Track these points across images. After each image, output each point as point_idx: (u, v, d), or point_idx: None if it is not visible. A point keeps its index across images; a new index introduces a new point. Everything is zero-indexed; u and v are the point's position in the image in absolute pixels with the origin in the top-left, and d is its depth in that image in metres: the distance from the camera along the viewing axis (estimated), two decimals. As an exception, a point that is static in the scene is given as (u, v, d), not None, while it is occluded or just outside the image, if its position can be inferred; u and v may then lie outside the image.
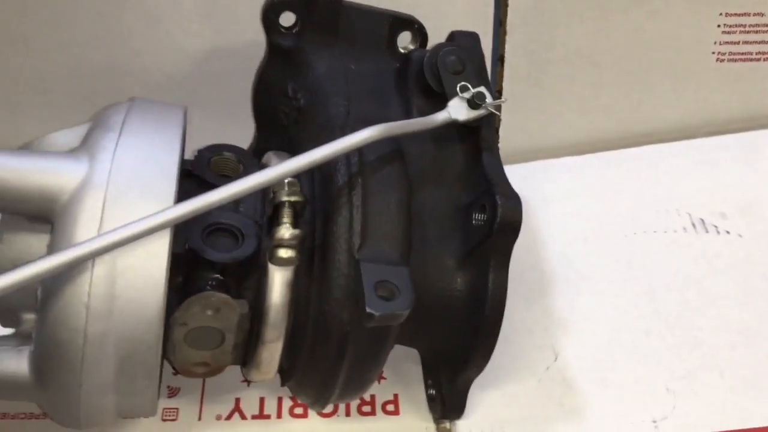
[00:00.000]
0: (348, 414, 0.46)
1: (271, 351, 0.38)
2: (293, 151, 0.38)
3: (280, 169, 0.35)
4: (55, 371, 0.33)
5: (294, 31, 0.43)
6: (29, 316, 0.34)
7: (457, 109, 0.39)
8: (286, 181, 0.37)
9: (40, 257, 0.30)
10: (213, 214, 0.35)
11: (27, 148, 0.37)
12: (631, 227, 0.53)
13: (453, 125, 0.39)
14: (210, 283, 0.35)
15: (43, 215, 0.33)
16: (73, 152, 0.35)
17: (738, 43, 0.56)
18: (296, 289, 0.37)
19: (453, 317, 0.39)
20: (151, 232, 0.31)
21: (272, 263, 0.36)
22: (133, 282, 0.32)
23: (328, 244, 0.37)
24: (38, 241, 0.34)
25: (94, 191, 0.32)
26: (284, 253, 0.36)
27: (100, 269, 0.31)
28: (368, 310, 0.33)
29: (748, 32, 0.56)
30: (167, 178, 0.34)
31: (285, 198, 0.37)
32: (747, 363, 0.46)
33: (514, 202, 0.37)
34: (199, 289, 0.35)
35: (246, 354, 0.38)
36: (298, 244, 0.36)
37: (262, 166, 0.39)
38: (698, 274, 0.50)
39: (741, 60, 0.57)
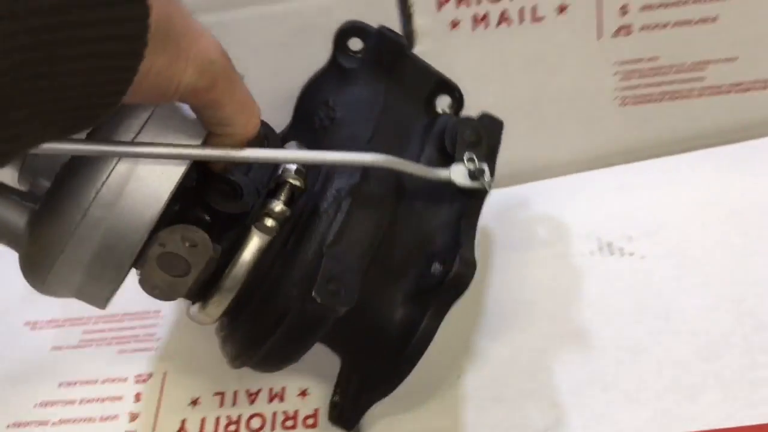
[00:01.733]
0: (273, 428, 0.52)
1: (223, 297, 0.42)
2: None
3: (294, 154, 0.43)
4: (46, 232, 0.37)
5: (358, 56, 0.49)
6: (44, 183, 0.39)
7: (458, 174, 0.44)
8: (295, 166, 0.42)
9: (81, 139, 0.35)
10: (228, 168, 0.41)
11: None
12: (544, 252, 0.58)
13: (449, 185, 0.44)
14: (199, 220, 0.40)
15: None
16: None
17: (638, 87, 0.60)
18: (264, 255, 0.41)
19: (380, 341, 0.44)
20: (173, 158, 0.36)
21: (255, 227, 0.41)
22: (142, 189, 0.36)
23: (306, 233, 0.42)
24: None
25: (149, 106, 0.37)
26: (268, 222, 0.41)
27: (121, 167, 0.36)
28: (314, 294, 0.39)
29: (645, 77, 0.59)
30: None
31: (289, 179, 0.42)
32: (631, 377, 0.49)
33: (470, 267, 0.42)
34: (188, 221, 0.39)
35: (199, 295, 0.42)
36: (283, 219, 0.41)
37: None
38: (598, 294, 0.54)
39: (643, 102, 0.60)
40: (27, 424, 0.55)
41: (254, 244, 0.41)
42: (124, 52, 0.29)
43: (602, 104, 0.60)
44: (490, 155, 0.47)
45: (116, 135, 0.37)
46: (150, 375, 0.56)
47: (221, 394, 0.54)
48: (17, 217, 0.38)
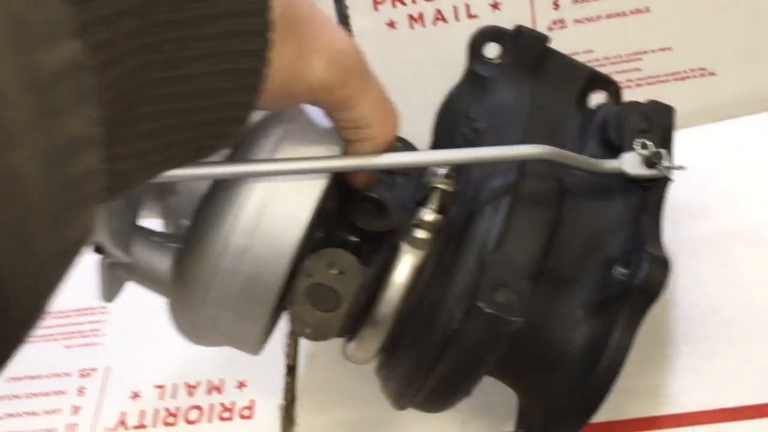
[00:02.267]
0: (210, 420, 0.53)
1: (378, 328, 0.38)
2: (459, 169, 0.39)
3: (442, 154, 0.37)
4: (191, 270, 0.35)
5: (496, 63, 0.45)
6: (187, 223, 0.36)
7: (631, 163, 0.39)
8: (444, 170, 0.38)
9: (210, 162, 0.32)
10: (370, 185, 0.38)
11: None
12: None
13: (620, 178, 0.39)
14: (344, 243, 0.37)
15: None
16: None
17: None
18: (420, 274, 0.37)
19: (562, 365, 0.37)
20: (311, 172, 0.34)
21: (406, 242, 0.37)
22: (282, 210, 0.34)
23: (464, 242, 0.37)
24: None
25: (280, 122, 0.35)
26: (420, 234, 0.37)
27: (257, 190, 0.33)
28: (479, 304, 0.34)
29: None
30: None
31: (438, 184, 0.38)
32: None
33: (662, 266, 0.35)
34: (333, 246, 0.36)
35: (353, 328, 0.39)
36: (436, 230, 0.37)
37: None
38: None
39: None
40: (-31, 418, 0.56)
41: (407, 262, 0.37)
42: (250, 49, 0.27)
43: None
44: (664, 141, 0.40)
45: (250, 154, 0.34)
46: (93, 369, 0.57)
47: (161, 387, 0.54)
48: (161, 260, 0.36)
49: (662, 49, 0.59)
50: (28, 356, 0.57)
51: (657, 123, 0.40)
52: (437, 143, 0.48)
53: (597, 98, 0.46)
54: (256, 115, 0.35)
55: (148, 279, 0.37)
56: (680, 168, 0.39)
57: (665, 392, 0.46)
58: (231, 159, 0.34)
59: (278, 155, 0.34)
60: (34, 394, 0.57)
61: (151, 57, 0.24)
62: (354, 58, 0.32)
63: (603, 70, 0.59)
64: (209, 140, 0.28)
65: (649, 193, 0.39)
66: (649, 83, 0.61)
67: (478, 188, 0.39)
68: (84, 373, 0.57)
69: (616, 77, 0.60)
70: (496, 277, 0.35)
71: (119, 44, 0.22)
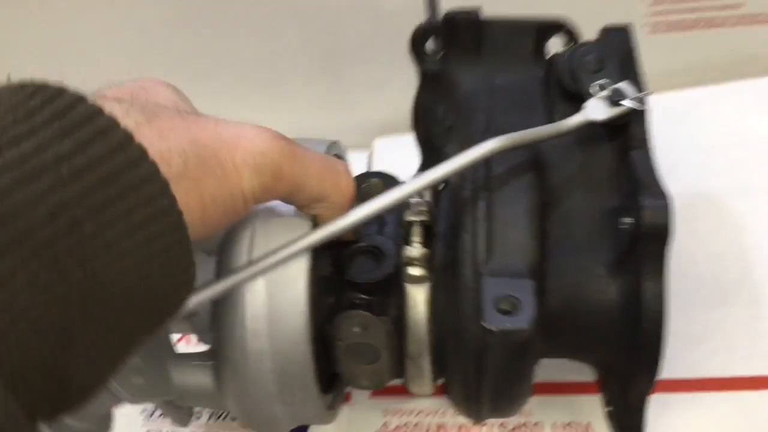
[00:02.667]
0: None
1: (419, 365, 0.39)
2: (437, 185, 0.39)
3: (400, 191, 0.35)
4: (230, 384, 0.36)
5: (439, 57, 0.44)
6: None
7: (595, 109, 0.37)
8: (411, 201, 0.37)
9: (208, 281, 0.33)
10: (359, 234, 0.38)
11: None
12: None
13: (597, 126, 0.37)
14: (355, 302, 0.37)
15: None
16: None
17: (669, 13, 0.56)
18: (435, 304, 0.37)
19: (611, 328, 0.37)
20: (291, 258, 0.34)
21: (406, 282, 0.37)
22: (281, 302, 0.35)
23: (457, 260, 0.36)
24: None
25: (246, 223, 0.35)
26: (414, 271, 0.37)
27: (252, 292, 0.35)
28: (485, 325, 0.33)
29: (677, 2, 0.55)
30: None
31: (412, 218, 0.38)
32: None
33: (661, 203, 0.33)
34: (345, 308, 0.37)
35: (402, 370, 0.40)
36: (427, 262, 0.37)
37: None
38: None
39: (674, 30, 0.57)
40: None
41: (415, 299, 0.38)
42: (165, 228, 0.26)
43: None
44: (625, 69, 0.38)
45: (231, 265, 0.35)
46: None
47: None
48: (204, 380, 0.38)
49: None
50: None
51: (611, 54, 0.38)
52: (424, 154, 0.47)
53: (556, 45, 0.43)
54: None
55: (199, 400, 0.39)
56: (647, 94, 0.37)
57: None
58: (216, 273, 0.35)
59: (255, 254, 0.35)
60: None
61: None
62: (276, 150, 0.32)
63: (701, 4, 0.57)
64: (158, 317, 0.28)
65: (630, 129, 0.37)
66: (748, 22, 0.57)
67: (452, 199, 0.38)
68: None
69: (714, 14, 0.57)
70: (493, 288, 0.34)
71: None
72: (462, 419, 0.46)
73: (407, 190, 0.35)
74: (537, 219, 0.36)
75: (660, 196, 0.33)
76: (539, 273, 0.35)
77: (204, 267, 0.34)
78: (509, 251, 0.35)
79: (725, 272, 0.48)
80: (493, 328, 0.33)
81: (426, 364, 0.39)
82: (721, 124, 0.55)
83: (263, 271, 0.34)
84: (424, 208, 0.38)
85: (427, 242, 0.37)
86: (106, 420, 0.40)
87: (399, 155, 0.53)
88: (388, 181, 0.40)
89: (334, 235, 0.35)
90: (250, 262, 0.34)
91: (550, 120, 0.38)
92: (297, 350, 0.35)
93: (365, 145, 0.63)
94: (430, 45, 0.44)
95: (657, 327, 0.35)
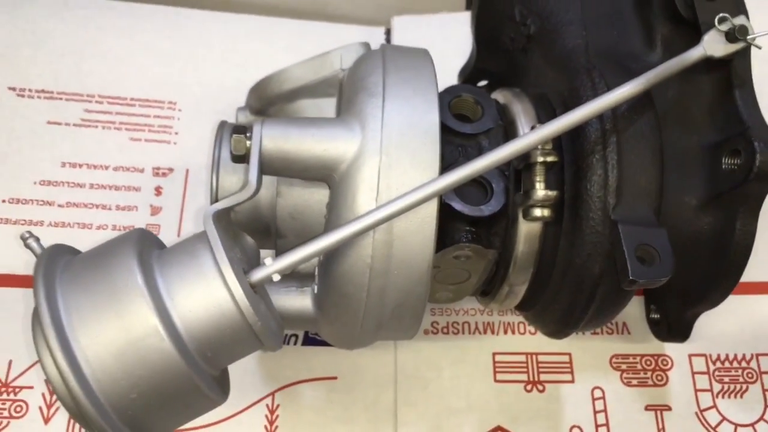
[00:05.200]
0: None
1: (515, 291, 0.40)
2: (521, 79, 0.37)
3: (539, 133, 0.34)
4: (340, 314, 0.37)
5: None
6: (307, 269, 0.39)
7: (713, 44, 0.35)
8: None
9: (331, 230, 0.33)
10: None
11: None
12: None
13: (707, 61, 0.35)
14: (464, 234, 0.37)
15: (322, 180, 0.36)
16: (343, 120, 0.35)
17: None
18: (543, 240, 0.38)
19: (693, 255, 0.38)
20: (421, 202, 0.33)
21: (527, 220, 0.37)
22: (407, 244, 0.34)
23: (581, 202, 0.36)
24: (311, 194, 0.38)
25: (370, 161, 0.34)
26: (539, 212, 0.37)
27: (380, 235, 0.34)
28: (631, 277, 0.33)
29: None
30: (432, 143, 0.35)
31: (540, 159, 0.36)
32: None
33: None
34: (453, 240, 0.36)
35: (487, 288, 0.40)
36: (552, 204, 0.37)
37: (499, 106, 0.39)
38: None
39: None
40: (27, 201, 0.50)
41: (527, 234, 0.38)
42: None
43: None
44: (739, 2, 0.36)
45: (360, 183, 0.34)
46: (170, 170, 0.52)
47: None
48: (304, 304, 0.38)
49: None
50: (86, 141, 0.52)
51: None
52: (482, 49, 0.45)
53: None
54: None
55: (296, 323, 0.39)
56: (765, 33, 0.36)
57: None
58: (337, 207, 0.35)
59: (381, 193, 0.34)
60: (101, 186, 0.52)
61: None
62: None
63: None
64: None
65: (732, 65, 0.36)
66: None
67: (573, 138, 0.37)
68: (158, 172, 0.53)
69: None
70: (632, 236, 0.34)
71: None
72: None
73: (541, 136, 0.34)
74: (661, 162, 0.36)
75: None
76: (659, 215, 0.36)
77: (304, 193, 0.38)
78: (638, 196, 0.35)
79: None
80: (639, 279, 0.33)
81: (522, 290, 0.40)
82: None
83: (393, 216, 0.33)
84: (550, 149, 0.37)
85: (548, 183, 0.37)
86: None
87: (419, 34, 0.50)
88: (478, 96, 0.39)
89: (461, 182, 0.34)
90: (378, 208, 0.33)
91: (650, 40, 0.38)
92: (418, 287, 0.35)
93: (381, 22, 0.60)
94: None
95: (743, 261, 0.37)
